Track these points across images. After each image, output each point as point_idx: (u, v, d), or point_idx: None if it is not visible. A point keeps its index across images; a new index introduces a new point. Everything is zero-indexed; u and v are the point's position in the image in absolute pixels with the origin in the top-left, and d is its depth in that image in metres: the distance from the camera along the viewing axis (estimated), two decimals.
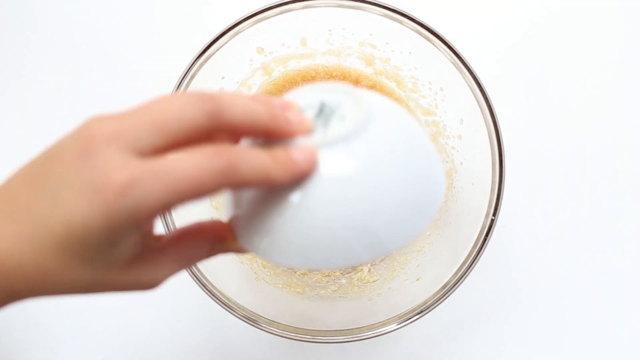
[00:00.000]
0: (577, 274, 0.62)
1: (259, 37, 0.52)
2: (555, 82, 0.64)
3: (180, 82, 0.49)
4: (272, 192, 0.29)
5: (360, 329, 0.49)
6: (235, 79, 0.56)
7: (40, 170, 0.28)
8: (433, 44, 0.50)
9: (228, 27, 0.49)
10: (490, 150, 0.50)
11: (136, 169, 0.25)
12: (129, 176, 0.25)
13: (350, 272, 0.60)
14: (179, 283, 0.60)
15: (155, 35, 0.65)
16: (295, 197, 0.29)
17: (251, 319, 0.49)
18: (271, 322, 0.49)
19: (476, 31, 0.65)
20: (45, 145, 0.29)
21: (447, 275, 0.50)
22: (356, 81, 0.59)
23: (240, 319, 0.49)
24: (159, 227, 0.51)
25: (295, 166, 0.28)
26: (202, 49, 0.49)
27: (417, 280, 0.54)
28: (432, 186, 0.31)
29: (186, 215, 0.52)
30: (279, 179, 0.28)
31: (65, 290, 0.29)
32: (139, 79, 0.64)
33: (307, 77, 0.59)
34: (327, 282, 0.59)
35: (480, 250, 0.49)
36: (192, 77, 0.50)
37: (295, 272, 0.60)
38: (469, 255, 0.49)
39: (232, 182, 0.27)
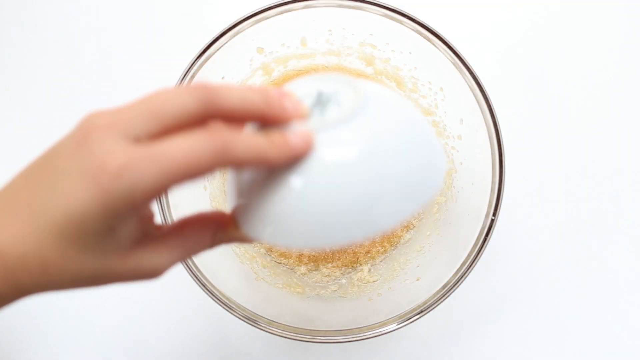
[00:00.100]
0: (577, 273, 0.62)
1: (259, 37, 0.52)
2: (555, 82, 0.64)
3: (181, 82, 0.49)
4: (272, 178, 0.30)
5: (360, 329, 0.49)
6: (235, 79, 0.56)
7: (40, 167, 0.28)
8: (433, 44, 0.50)
9: (228, 27, 0.49)
10: (490, 150, 0.50)
11: (131, 152, 0.26)
12: (124, 159, 0.25)
13: (350, 272, 0.60)
14: (179, 283, 0.60)
15: (155, 35, 0.65)
16: (294, 180, 0.29)
17: (251, 319, 0.49)
18: (271, 322, 0.49)
19: (476, 31, 0.65)
20: (45, 145, 0.29)
21: (447, 275, 0.50)
22: None
23: (240, 319, 0.49)
24: (159, 219, 0.51)
25: (291, 147, 0.28)
26: (202, 49, 0.49)
27: (417, 280, 0.54)
28: (430, 166, 0.31)
29: (186, 212, 0.52)
30: (274, 159, 0.28)
31: (69, 281, 0.29)
32: (139, 78, 0.64)
33: None
34: (327, 282, 0.59)
35: (480, 250, 0.49)
36: (192, 77, 0.50)
37: (295, 272, 0.60)
38: (469, 255, 0.49)
39: (226, 161, 0.27)
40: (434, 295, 0.49)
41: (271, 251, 0.60)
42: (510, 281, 0.62)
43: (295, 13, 0.50)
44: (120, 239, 0.28)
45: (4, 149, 0.62)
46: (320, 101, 0.31)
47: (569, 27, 0.65)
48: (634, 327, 0.61)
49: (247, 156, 0.27)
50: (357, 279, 0.59)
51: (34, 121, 0.64)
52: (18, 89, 0.64)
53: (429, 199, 0.31)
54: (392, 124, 0.30)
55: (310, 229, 0.29)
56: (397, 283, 0.56)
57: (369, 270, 0.60)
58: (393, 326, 0.49)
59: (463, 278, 0.49)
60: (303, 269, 0.60)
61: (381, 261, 0.60)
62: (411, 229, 0.61)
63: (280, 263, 0.60)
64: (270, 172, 0.30)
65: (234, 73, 0.55)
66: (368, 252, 0.60)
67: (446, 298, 0.49)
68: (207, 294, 0.49)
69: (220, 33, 0.49)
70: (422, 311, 0.49)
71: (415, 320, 0.49)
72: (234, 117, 0.29)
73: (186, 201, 0.52)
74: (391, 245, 0.60)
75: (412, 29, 0.50)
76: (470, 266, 0.49)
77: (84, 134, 0.27)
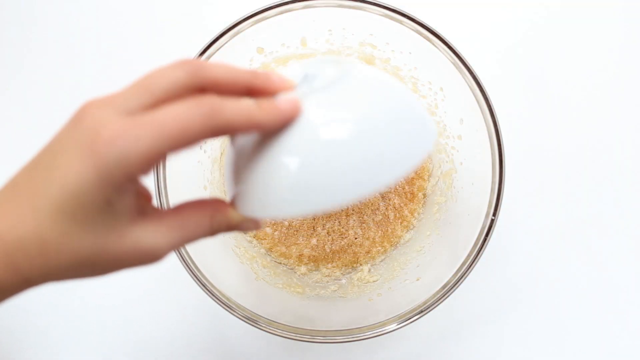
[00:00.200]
0: (577, 273, 0.62)
1: (259, 37, 0.52)
2: (555, 82, 0.64)
3: None
4: (264, 155, 0.30)
5: (360, 329, 0.49)
6: None
7: (40, 155, 0.29)
8: (433, 44, 0.50)
9: (228, 27, 0.49)
10: (490, 150, 0.50)
11: (124, 122, 0.27)
12: (118, 128, 0.26)
13: (350, 272, 0.60)
14: (179, 283, 0.60)
15: (155, 35, 0.65)
16: (285, 149, 0.30)
17: (251, 319, 0.49)
18: (271, 322, 0.49)
19: (476, 31, 0.65)
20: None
21: (447, 275, 0.50)
22: None
23: (240, 319, 0.49)
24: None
25: (279, 109, 0.29)
26: (202, 49, 0.49)
27: (417, 280, 0.54)
28: (414, 131, 0.31)
29: None
30: (264, 121, 0.29)
31: (68, 264, 0.28)
32: None
33: None
34: (327, 282, 0.59)
35: (480, 250, 0.49)
36: None
37: (295, 272, 0.60)
38: (469, 255, 0.49)
39: (217, 125, 0.28)
40: (434, 295, 0.49)
41: (271, 251, 0.60)
42: (510, 281, 0.62)
43: (295, 13, 0.50)
44: (117, 213, 0.28)
45: (4, 149, 0.62)
46: (307, 79, 0.32)
47: (569, 27, 0.65)
48: (634, 327, 0.61)
49: (236, 118, 0.28)
50: (357, 279, 0.59)
51: (34, 121, 0.64)
52: (18, 89, 0.65)
53: (417, 160, 0.31)
54: (375, 89, 0.31)
55: (305, 192, 0.29)
56: (397, 283, 0.56)
57: (369, 270, 0.60)
58: (393, 326, 0.49)
59: (463, 278, 0.49)
60: (303, 269, 0.60)
61: (381, 261, 0.60)
62: (411, 229, 0.61)
63: (280, 263, 0.60)
64: (263, 151, 0.30)
65: None
66: (368, 252, 0.60)
67: (446, 298, 0.49)
68: (207, 294, 0.49)
69: (220, 33, 0.49)
70: (422, 311, 0.49)
71: (415, 320, 0.49)
72: (223, 88, 0.30)
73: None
74: (391, 245, 0.60)
75: (412, 29, 0.50)
76: (470, 266, 0.49)
77: (79, 115, 0.28)
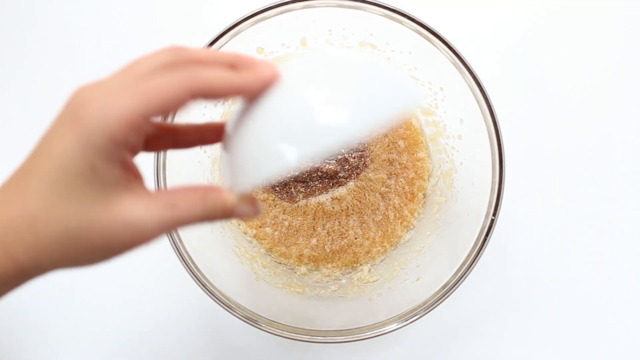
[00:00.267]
0: (577, 273, 0.62)
1: (259, 37, 0.52)
2: (555, 82, 0.64)
3: None
4: (250, 123, 0.31)
5: (360, 329, 0.49)
6: None
7: (35, 143, 0.30)
8: (433, 44, 0.50)
9: (228, 27, 0.49)
10: (490, 150, 0.50)
11: (108, 92, 0.28)
12: (101, 94, 0.27)
13: (350, 272, 0.60)
14: (180, 283, 0.60)
15: (155, 35, 0.65)
16: (267, 110, 0.30)
17: (251, 319, 0.49)
18: (271, 322, 0.49)
19: (476, 31, 0.65)
20: None
21: (447, 275, 0.50)
22: None
23: (240, 319, 0.49)
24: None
25: (259, 73, 0.30)
26: None
27: (417, 280, 0.54)
28: (392, 87, 0.32)
29: None
30: (243, 84, 0.30)
31: (56, 239, 0.28)
32: None
33: None
34: (327, 282, 0.59)
35: (480, 250, 0.49)
36: None
37: (295, 272, 0.60)
38: (469, 255, 0.49)
39: (197, 86, 0.28)
40: (434, 295, 0.49)
41: (271, 251, 0.60)
42: (510, 281, 0.62)
43: (295, 13, 0.50)
44: (103, 183, 0.28)
45: (4, 149, 0.62)
46: None
47: (569, 27, 0.65)
48: (634, 327, 0.61)
49: (216, 81, 0.29)
50: (357, 279, 0.59)
51: (34, 121, 0.64)
52: (18, 89, 0.64)
53: (397, 110, 0.31)
54: (350, 57, 0.32)
55: (290, 144, 0.30)
56: (397, 283, 0.56)
57: (369, 270, 0.59)
58: (393, 326, 0.49)
59: (463, 278, 0.49)
60: (303, 269, 0.60)
61: (381, 261, 0.60)
62: (411, 229, 0.61)
63: (280, 263, 0.60)
64: (248, 121, 0.31)
65: None
66: (368, 252, 0.60)
67: (446, 298, 0.49)
68: (207, 294, 0.49)
69: (220, 33, 0.49)
70: (422, 311, 0.49)
71: (415, 320, 0.49)
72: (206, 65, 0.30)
73: None
74: (391, 245, 0.60)
75: (412, 29, 0.50)
76: (470, 266, 0.49)
77: (69, 99, 0.29)
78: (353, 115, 0.29)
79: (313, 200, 0.60)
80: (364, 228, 0.60)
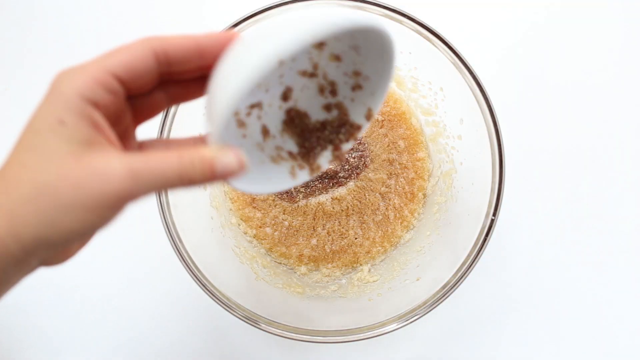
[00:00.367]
0: (577, 273, 0.62)
1: None
2: (555, 82, 0.64)
3: None
4: (214, 77, 0.31)
5: (360, 329, 0.49)
6: None
7: None
8: (433, 44, 0.50)
9: (228, 27, 0.49)
10: (490, 150, 0.50)
11: (81, 64, 0.29)
12: (75, 66, 0.29)
13: (350, 272, 0.60)
14: (179, 283, 0.60)
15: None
16: (225, 57, 0.31)
17: (251, 319, 0.49)
18: (271, 322, 0.49)
19: (476, 31, 0.65)
20: None
21: (447, 275, 0.50)
22: None
23: (240, 319, 0.49)
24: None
25: (219, 34, 0.31)
26: None
27: (417, 280, 0.54)
28: (340, 12, 0.32)
29: (185, 216, 0.52)
30: (205, 40, 0.31)
31: (29, 195, 0.28)
32: None
33: None
34: (327, 282, 0.59)
35: (480, 251, 0.49)
36: None
37: (295, 272, 0.60)
38: (469, 255, 0.49)
39: (159, 45, 0.30)
40: (434, 295, 0.49)
41: (271, 251, 0.60)
42: (510, 281, 0.62)
43: None
44: (72, 136, 0.28)
45: (4, 149, 0.62)
46: None
47: (569, 27, 0.65)
48: (633, 327, 0.61)
49: (177, 39, 0.31)
50: (357, 279, 0.59)
51: None
52: (18, 89, 0.65)
53: (357, 21, 0.31)
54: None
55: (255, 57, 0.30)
56: (397, 283, 0.56)
57: (369, 270, 0.59)
58: (393, 326, 0.49)
59: (463, 278, 0.49)
60: (303, 269, 0.60)
61: (381, 261, 0.60)
62: (411, 229, 0.61)
63: (280, 263, 0.60)
64: (213, 79, 0.31)
65: None
66: (368, 252, 0.60)
67: (446, 298, 0.49)
68: (207, 294, 0.49)
69: None
70: (422, 311, 0.49)
71: (415, 320, 0.49)
72: (176, 48, 0.31)
73: (186, 201, 0.52)
74: (391, 245, 0.60)
75: (412, 29, 0.50)
76: (470, 266, 0.49)
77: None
78: (316, 23, 0.30)
79: (313, 201, 0.60)
80: (364, 228, 0.60)
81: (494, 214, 0.49)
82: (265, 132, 0.35)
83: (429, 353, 0.61)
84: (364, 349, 0.61)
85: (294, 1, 0.49)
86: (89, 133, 0.29)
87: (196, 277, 0.49)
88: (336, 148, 0.36)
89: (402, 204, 0.60)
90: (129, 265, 0.61)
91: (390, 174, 0.60)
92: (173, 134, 0.49)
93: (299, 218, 0.59)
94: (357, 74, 0.36)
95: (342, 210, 0.60)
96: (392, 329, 0.49)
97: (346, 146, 0.36)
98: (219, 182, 0.30)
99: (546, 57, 0.65)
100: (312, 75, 0.36)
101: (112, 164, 0.28)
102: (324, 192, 0.60)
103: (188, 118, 0.50)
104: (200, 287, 0.49)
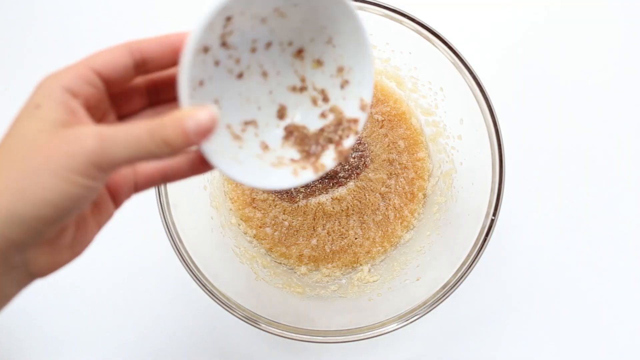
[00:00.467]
0: (577, 273, 0.62)
1: None
2: (555, 82, 0.64)
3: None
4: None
5: (360, 329, 0.49)
6: None
7: None
8: (433, 44, 0.50)
9: None
10: (490, 150, 0.50)
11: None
12: (64, 67, 0.32)
13: (350, 272, 0.60)
14: (180, 284, 0.60)
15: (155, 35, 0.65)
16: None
17: (251, 319, 0.49)
18: (271, 322, 0.49)
19: (476, 31, 0.65)
20: None
21: (447, 275, 0.50)
22: None
23: (240, 319, 0.49)
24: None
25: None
26: None
27: (417, 280, 0.54)
28: None
29: (185, 216, 0.52)
30: (174, 37, 0.34)
31: (6, 176, 0.28)
32: None
33: None
34: (327, 282, 0.59)
35: (480, 250, 0.49)
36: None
37: (295, 272, 0.60)
38: (469, 255, 0.49)
39: (136, 46, 0.33)
40: (434, 295, 0.49)
41: (271, 251, 0.60)
42: (510, 281, 0.62)
43: None
44: (45, 115, 0.30)
45: None
46: None
47: (569, 27, 0.65)
48: (633, 327, 0.61)
49: (152, 39, 0.34)
50: (357, 279, 0.59)
51: None
52: (18, 89, 0.64)
53: None
54: None
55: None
56: (397, 283, 0.56)
57: (369, 270, 0.59)
58: (393, 326, 0.49)
59: (463, 278, 0.49)
60: (303, 269, 0.60)
61: (381, 261, 0.60)
62: (411, 229, 0.61)
63: (281, 263, 0.60)
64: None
65: None
66: (368, 252, 0.60)
67: (446, 298, 0.49)
68: (207, 294, 0.49)
69: None
70: (422, 311, 0.49)
71: (415, 320, 0.49)
72: (153, 49, 0.34)
73: (186, 201, 0.52)
74: (391, 245, 0.60)
75: (412, 29, 0.50)
76: (470, 266, 0.49)
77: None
78: None
79: (313, 201, 0.60)
80: (364, 228, 0.60)
81: (494, 214, 0.49)
82: (264, 147, 0.36)
83: (429, 353, 0.61)
84: (364, 349, 0.61)
85: None
86: (63, 116, 0.30)
87: (196, 277, 0.49)
88: (338, 145, 0.37)
89: (402, 204, 0.60)
90: (129, 266, 0.61)
91: (390, 174, 0.60)
92: None
93: (299, 218, 0.59)
94: (340, 69, 0.36)
95: (342, 210, 0.60)
96: (392, 329, 0.49)
97: (348, 142, 0.36)
98: (195, 144, 0.29)
99: (546, 57, 0.65)
100: (302, 89, 0.37)
101: (82, 130, 0.29)
102: (324, 192, 0.60)
103: None
104: (200, 287, 0.49)
